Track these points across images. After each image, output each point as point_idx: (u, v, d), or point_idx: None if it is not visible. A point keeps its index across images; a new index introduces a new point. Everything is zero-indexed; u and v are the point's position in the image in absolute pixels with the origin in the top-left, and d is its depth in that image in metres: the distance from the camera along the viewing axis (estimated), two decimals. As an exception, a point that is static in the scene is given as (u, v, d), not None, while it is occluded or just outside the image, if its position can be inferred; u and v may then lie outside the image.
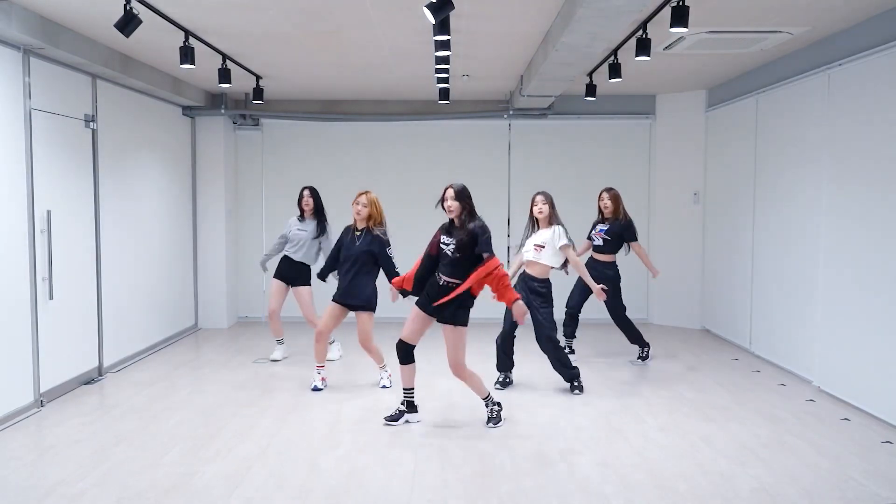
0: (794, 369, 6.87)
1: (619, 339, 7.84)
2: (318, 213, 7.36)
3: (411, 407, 5.52)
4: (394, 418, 5.46)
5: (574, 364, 6.42)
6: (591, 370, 7.14)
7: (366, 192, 6.34)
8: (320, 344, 6.38)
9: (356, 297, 6.23)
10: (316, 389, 6.36)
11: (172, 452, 4.83)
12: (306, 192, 7.35)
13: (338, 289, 6.32)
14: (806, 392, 6.31)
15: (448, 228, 5.29)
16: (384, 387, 6.47)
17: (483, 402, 5.52)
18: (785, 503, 4.06)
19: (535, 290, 6.23)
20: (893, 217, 5.33)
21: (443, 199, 5.25)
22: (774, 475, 4.44)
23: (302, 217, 7.37)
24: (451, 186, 5.26)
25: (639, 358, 7.48)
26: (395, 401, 5.95)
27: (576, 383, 6.33)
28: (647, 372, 7.09)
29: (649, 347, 7.54)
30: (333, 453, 4.83)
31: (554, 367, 6.35)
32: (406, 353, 5.38)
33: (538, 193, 6.39)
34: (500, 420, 5.45)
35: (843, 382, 6.01)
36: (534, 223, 6.39)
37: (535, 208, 6.34)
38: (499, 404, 5.53)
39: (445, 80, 7.58)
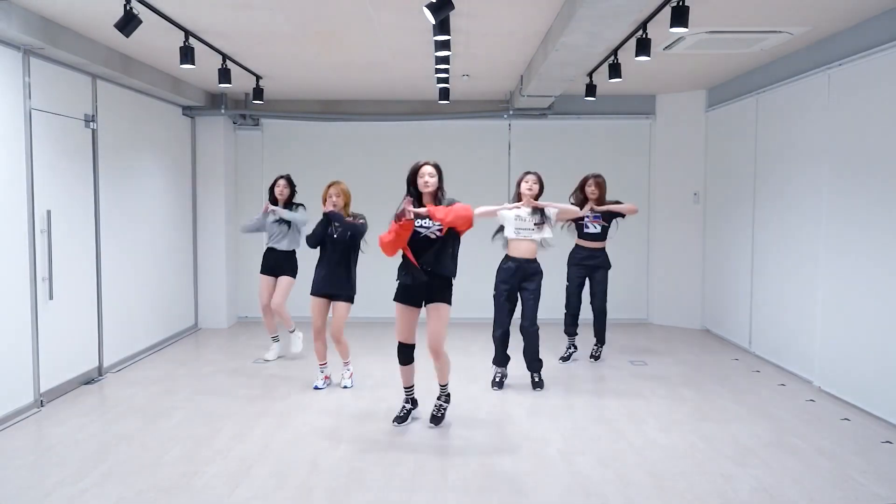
0: (794, 369, 6.87)
1: (618, 338, 7.83)
2: (292, 203, 7.33)
3: (414, 403, 5.53)
4: (403, 419, 5.45)
5: (563, 362, 6.49)
6: (590, 370, 7.14)
7: (336, 183, 6.23)
8: (319, 342, 6.38)
9: (339, 287, 6.19)
10: (317, 388, 6.37)
11: (172, 452, 4.83)
12: (282, 182, 7.29)
13: (316, 281, 6.23)
14: (806, 392, 6.31)
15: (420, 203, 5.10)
16: (346, 387, 6.43)
17: (440, 389, 5.47)
18: (785, 503, 4.06)
19: (536, 271, 6.18)
20: (893, 217, 5.33)
21: (417, 174, 5.09)
22: (774, 475, 4.45)
23: (275, 205, 7.30)
24: (427, 162, 5.13)
25: (591, 357, 7.46)
26: (395, 399, 5.95)
27: (537, 378, 6.37)
28: (647, 372, 7.08)
29: (601, 346, 7.48)
30: (333, 453, 4.83)
31: (528, 355, 6.33)
32: (408, 354, 5.36)
33: (530, 173, 6.23)
34: (442, 420, 5.41)
35: (843, 382, 6.01)
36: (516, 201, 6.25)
37: (524, 185, 6.16)
38: (448, 398, 5.50)
39: (445, 80, 7.58)
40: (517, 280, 6.18)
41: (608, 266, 7.28)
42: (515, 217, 6.17)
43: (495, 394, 6.26)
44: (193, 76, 8.09)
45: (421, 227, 5.06)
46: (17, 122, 5.56)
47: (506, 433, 5.26)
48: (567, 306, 7.33)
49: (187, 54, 5.89)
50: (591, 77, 7.52)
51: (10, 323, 5.47)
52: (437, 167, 5.16)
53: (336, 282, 6.19)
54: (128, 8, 4.95)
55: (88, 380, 6.64)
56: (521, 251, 6.16)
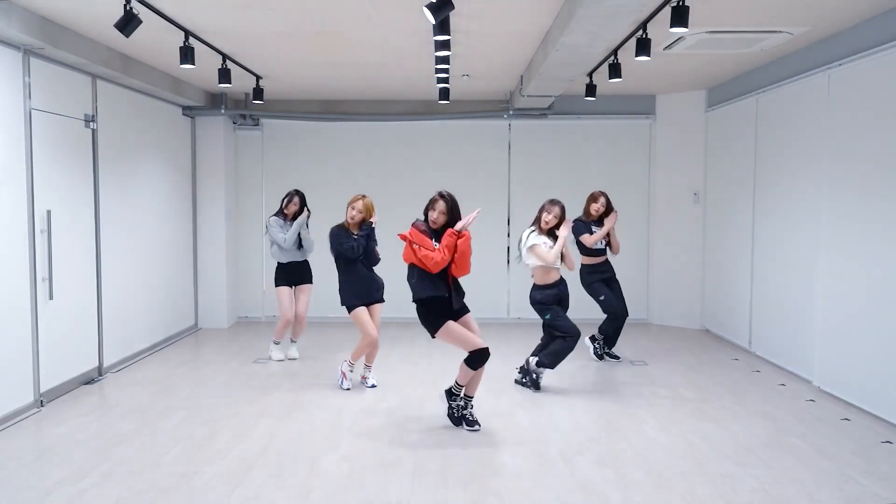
0: (794, 369, 6.87)
1: (619, 338, 7.82)
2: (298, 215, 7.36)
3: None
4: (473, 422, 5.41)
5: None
6: (591, 370, 7.14)
7: (363, 198, 6.35)
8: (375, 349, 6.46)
9: (380, 290, 6.44)
10: (349, 389, 6.41)
11: (172, 452, 4.83)
12: (297, 199, 7.31)
13: (360, 292, 6.25)
14: (806, 392, 6.31)
15: (432, 233, 5.20)
16: (373, 386, 6.48)
17: (468, 400, 5.42)
18: (785, 503, 4.06)
19: (566, 286, 6.45)
20: (893, 216, 5.33)
21: (431, 208, 5.21)
22: (774, 475, 4.44)
23: (284, 219, 7.27)
24: (442, 199, 5.19)
25: (612, 356, 7.54)
26: (395, 399, 5.95)
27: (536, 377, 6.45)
28: (647, 372, 7.08)
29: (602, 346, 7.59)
30: (333, 453, 4.83)
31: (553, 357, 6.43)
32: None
33: (555, 204, 6.32)
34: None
35: (843, 382, 6.01)
36: (538, 231, 6.33)
37: (549, 217, 6.28)
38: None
39: (445, 80, 7.58)
40: (558, 299, 6.34)
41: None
42: (544, 244, 6.27)
43: (495, 394, 6.25)
44: (193, 76, 8.09)
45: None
46: (17, 122, 5.56)
47: (506, 433, 5.26)
48: (616, 316, 7.30)
49: (187, 54, 5.89)
50: (591, 77, 7.52)
51: (10, 323, 5.47)
52: (448, 203, 5.19)
53: (376, 286, 6.40)
54: (128, 8, 4.95)
55: (88, 380, 6.64)
56: (552, 276, 6.30)
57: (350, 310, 6.26)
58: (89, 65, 6.37)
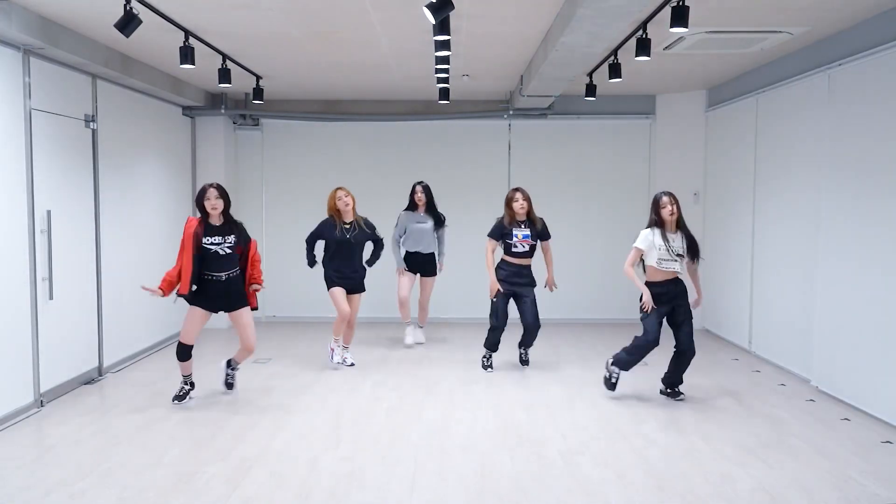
0: (794, 369, 6.87)
1: (618, 339, 7.81)
2: (431, 208, 7.94)
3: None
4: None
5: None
6: (591, 370, 7.13)
7: (340, 188, 7.08)
8: (351, 329, 7.18)
9: (360, 281, 7.15)
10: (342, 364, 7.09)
11: (172, 452, 4.83)
12: (419, 188, 7.90)
13: (337, 277, 7.00)
14: (806, 392, 6.31)
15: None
16: (352, 364, 7.18)
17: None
18: (785, 503, 4.06)
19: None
20: (892, 216, 5.33)
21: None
22: (774, 475, 4.45)
23: (416, 210, 7.92)
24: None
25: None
26: (395, 399, 5.95)
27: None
28: (647, 372, 7.07)
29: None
30: (333, 453, 4.83)
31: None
32: None
33: (667, 194, 6.27)
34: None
35: (843, 382, 6.01)
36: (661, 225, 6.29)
37: (666, 210, 6.26)
38: None
39: (445, 80, 7.58)
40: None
41: (535, 284, 7.00)
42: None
43: (495, 394, 6.26)
44: (193, 76, 8.09)
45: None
46: (17, 122, 5.56)
47: (506, 433, 5.26)
48: (496, 321, 6.93)
49: (187, 54, 5.88)
50: (591, 77, 7.51)
51: (10, 323, 5.47)
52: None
53: (354, 276, 7.16)
54: (128, 8, 4.95)
55: (88, 380, 6.63)
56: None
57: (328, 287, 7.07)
58: (89, 65, 6.37)
